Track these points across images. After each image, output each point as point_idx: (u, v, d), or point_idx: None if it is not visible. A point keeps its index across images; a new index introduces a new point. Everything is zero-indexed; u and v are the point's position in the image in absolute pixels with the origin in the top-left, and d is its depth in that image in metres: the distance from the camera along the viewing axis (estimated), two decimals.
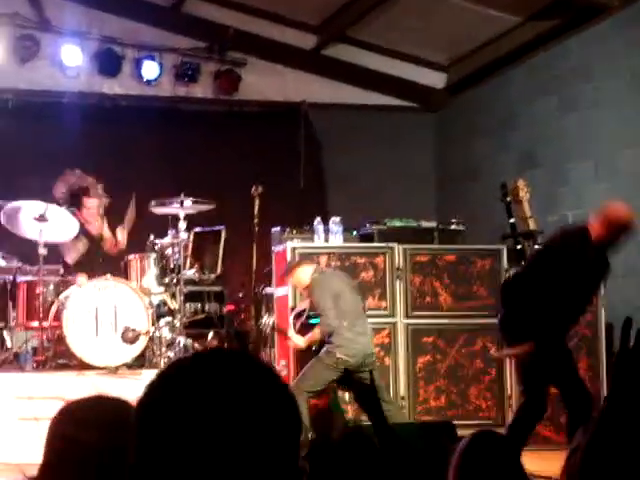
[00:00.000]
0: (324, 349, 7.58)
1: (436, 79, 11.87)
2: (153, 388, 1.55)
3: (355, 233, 9.16)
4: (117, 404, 2.49)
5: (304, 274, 7.88)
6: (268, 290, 9.29)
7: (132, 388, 8.25)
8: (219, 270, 9.90)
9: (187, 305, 9.45)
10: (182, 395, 1.50)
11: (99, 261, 9.29)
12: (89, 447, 2.34)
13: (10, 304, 9.03)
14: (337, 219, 8.98)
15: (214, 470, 1.47)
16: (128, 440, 1.54)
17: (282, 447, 1.52)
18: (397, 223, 9.16)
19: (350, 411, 8.28)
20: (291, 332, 7.99)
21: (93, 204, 9.35)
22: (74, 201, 9.33)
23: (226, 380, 1.52)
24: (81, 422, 2.41)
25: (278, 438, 1.51)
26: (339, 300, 7.66)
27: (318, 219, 8.99)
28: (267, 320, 8.17)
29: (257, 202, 8.94)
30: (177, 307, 9.17)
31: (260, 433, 1.50)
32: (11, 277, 9.14)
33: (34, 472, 2.47)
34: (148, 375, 8.53)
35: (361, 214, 9.65)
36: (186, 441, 1.48)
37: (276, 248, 9.02)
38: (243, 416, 1.49)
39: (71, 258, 9.28)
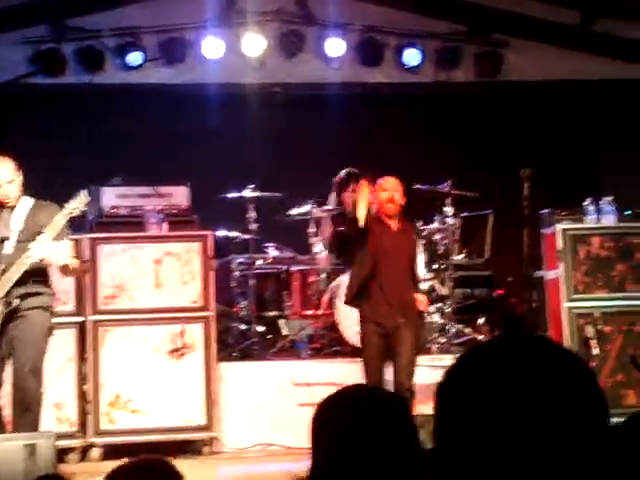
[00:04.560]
0: None
1: None
2: (453, 372, 1.53)
3: (629, 212, 8.84)
4: (372, 391, 2.51)
5: None
6: (539, 273, 9.13)
7: None
8: (487, 254, 9.83)
9: (457, 290, 9.43)
10: (484, 378, 1.48)
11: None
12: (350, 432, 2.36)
13: (285, 293, 9.31)
14: (609, 199, 8.70)
15: (518, 455, 1.43)
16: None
17: (589, 432, 1.46)
18: None
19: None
20: None
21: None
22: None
23: (528, 362, 1.48)
24: (340, 409, 2.44)
25: (584, 421, 1.46)
26: None
27: (589, 199, 8.75)
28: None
29: (526, 185, 8.77)
30: (447, 293, 9.17)
31: (565, 414, 1.45)
32: (285, 267, 9.42)
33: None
34: (421, 361, 8.56)
35: (635, 193, 9.30)
36: (489, 424, 1.45)
37: (545, 230, 8.86)
38: (548, 398, 1.45)
39: (323, 235, 9.47)
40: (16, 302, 6.43)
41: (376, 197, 7.30)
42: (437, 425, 1.51)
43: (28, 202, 6.74)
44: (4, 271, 6.45)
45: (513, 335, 1.55)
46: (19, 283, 6.45)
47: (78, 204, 6.45)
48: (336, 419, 2.40)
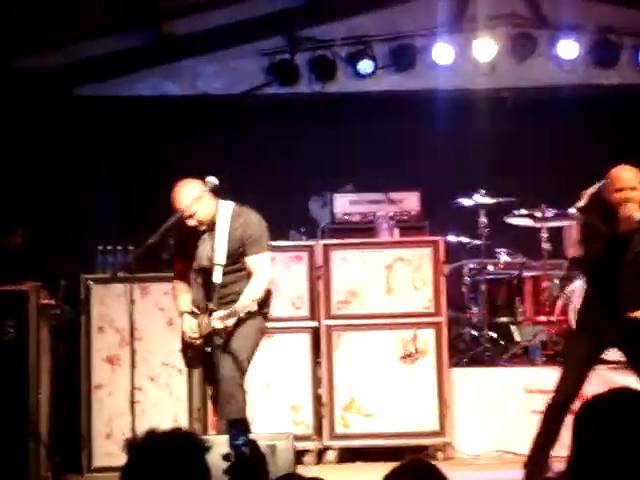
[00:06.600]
0: None
1: None
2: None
3: None
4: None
5: None
6: None
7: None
8: None
9: None
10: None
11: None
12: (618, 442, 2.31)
13: (517, 299, 9.20)
14: None
15: None
16: None
17: None
18: None
19: None
20: None
21: None
22: None
23: None
24: (604, 417, 2.39)
25: None
26: None
27: None
28: None
29: None
30: None
31: None
32: (516, 272, 9.32)
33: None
34: None
35: None
36: None
37: None
38: None
39: (571, 252, 9.23)
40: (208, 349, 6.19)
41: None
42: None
43: (227, 212, 6.24)
44: (212, 311, 6.13)
45: None
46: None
47: None
48: (600, 421, 2.36)
